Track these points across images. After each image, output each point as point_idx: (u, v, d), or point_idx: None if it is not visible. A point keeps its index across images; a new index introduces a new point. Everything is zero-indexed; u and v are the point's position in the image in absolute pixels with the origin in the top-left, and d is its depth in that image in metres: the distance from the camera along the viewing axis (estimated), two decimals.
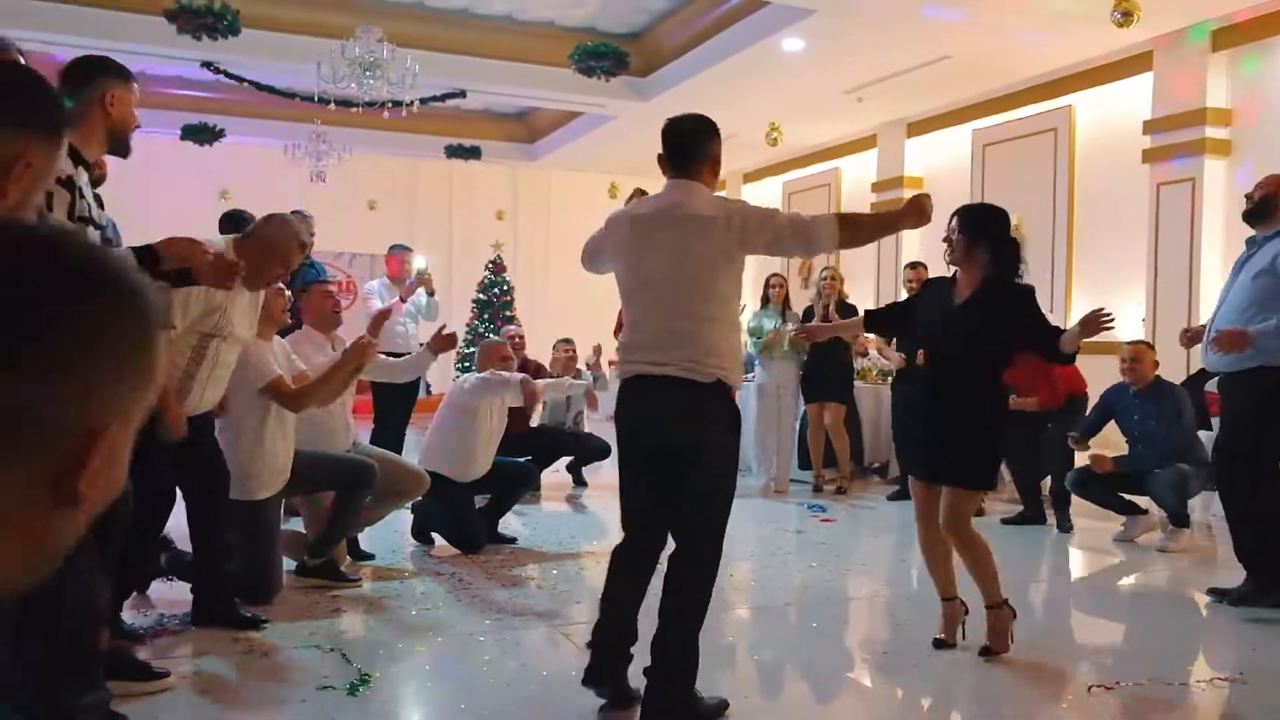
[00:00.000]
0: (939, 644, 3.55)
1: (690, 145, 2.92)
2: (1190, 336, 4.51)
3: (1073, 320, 9.42)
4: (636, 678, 2.80)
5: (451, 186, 14.67)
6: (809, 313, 7.41)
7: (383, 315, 5.34)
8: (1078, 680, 3.24)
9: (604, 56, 8.52)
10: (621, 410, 2.92)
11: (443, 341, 4.70)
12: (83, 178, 2.53)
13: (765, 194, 14.70)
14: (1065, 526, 5.74)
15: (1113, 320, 3.29)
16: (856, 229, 3.02)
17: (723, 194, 14.50)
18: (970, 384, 3.45)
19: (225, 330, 3.10)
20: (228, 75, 9.36)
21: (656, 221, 2.88)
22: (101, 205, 2.79)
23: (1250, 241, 4.33)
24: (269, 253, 3.17)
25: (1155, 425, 5.17)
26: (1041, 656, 3.54)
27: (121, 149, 2.86)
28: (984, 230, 3.49)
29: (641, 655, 2.81)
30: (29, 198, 1.42)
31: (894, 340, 6.87)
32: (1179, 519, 5.19)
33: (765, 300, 7.47)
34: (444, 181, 14.58)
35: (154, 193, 12.37)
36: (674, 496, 2.84)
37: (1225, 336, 3.94)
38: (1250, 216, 4.28)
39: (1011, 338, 3.52)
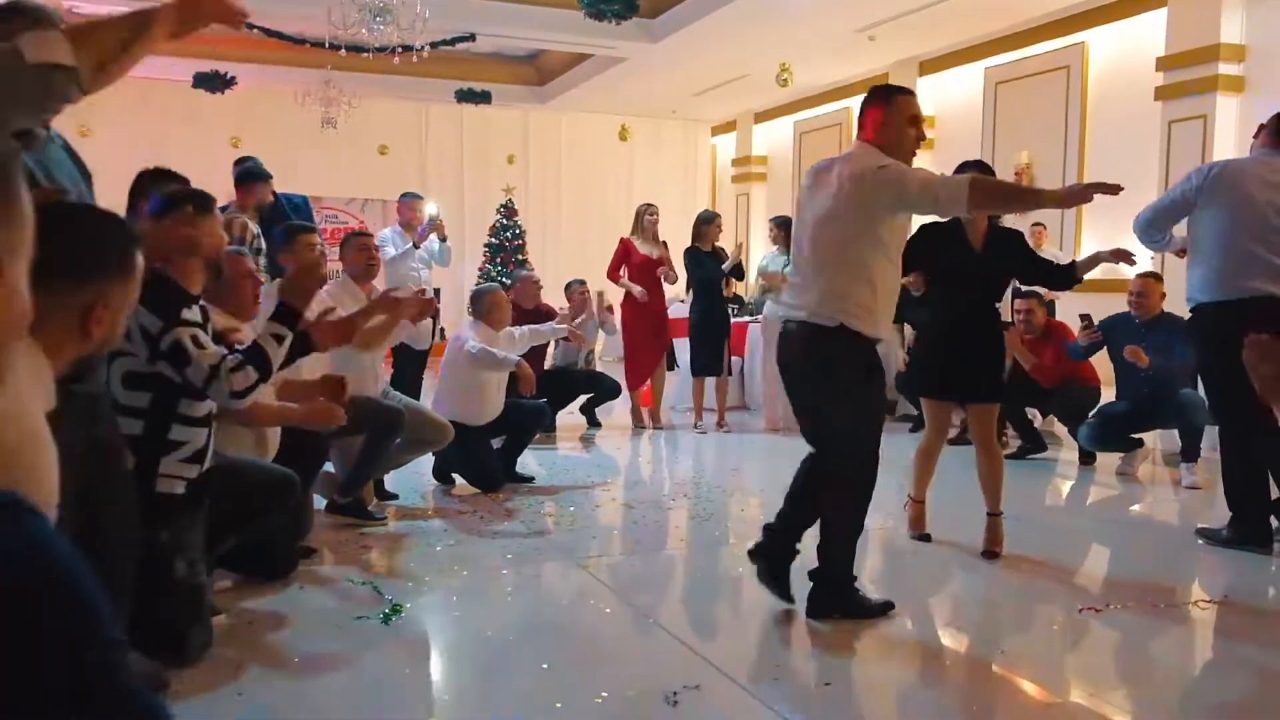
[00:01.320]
0: (916, 537, 4.19)
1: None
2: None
3: (1085, 252, 9.48)
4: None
5: (462, 130, 14.66)
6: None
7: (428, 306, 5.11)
8: (1070, 602, 3.39)
9: (614, 0, 8.48)
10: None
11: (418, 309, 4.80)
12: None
13: (777, 134, 14.65)
14: (1086, 459, 6.02)
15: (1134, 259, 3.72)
16: (988, 195, 3.16)
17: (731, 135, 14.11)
18: (988, 318, 4.01)
19: None
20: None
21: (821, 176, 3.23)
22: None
23: None
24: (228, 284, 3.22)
25: (1162, 356, 5.25)
26: (1037, 581, 3.70)
27: None
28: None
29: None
30: (112, 334, 1.52)
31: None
32: (1197, 444, 5.32)
33: (775, 241, 7.55)
34: (454, 126, 14.57)
35: (165, 140, 12.44)
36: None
37: None
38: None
39: (1021, 276, 4.33)
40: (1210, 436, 5.27)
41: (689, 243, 7.37)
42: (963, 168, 3.83)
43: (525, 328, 5.76)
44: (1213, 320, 4.08)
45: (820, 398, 3.16)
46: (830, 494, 3.21)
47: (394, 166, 14.30)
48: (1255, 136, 4.44)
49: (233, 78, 11.73)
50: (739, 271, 7.50)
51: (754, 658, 3.01)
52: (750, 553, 3.37)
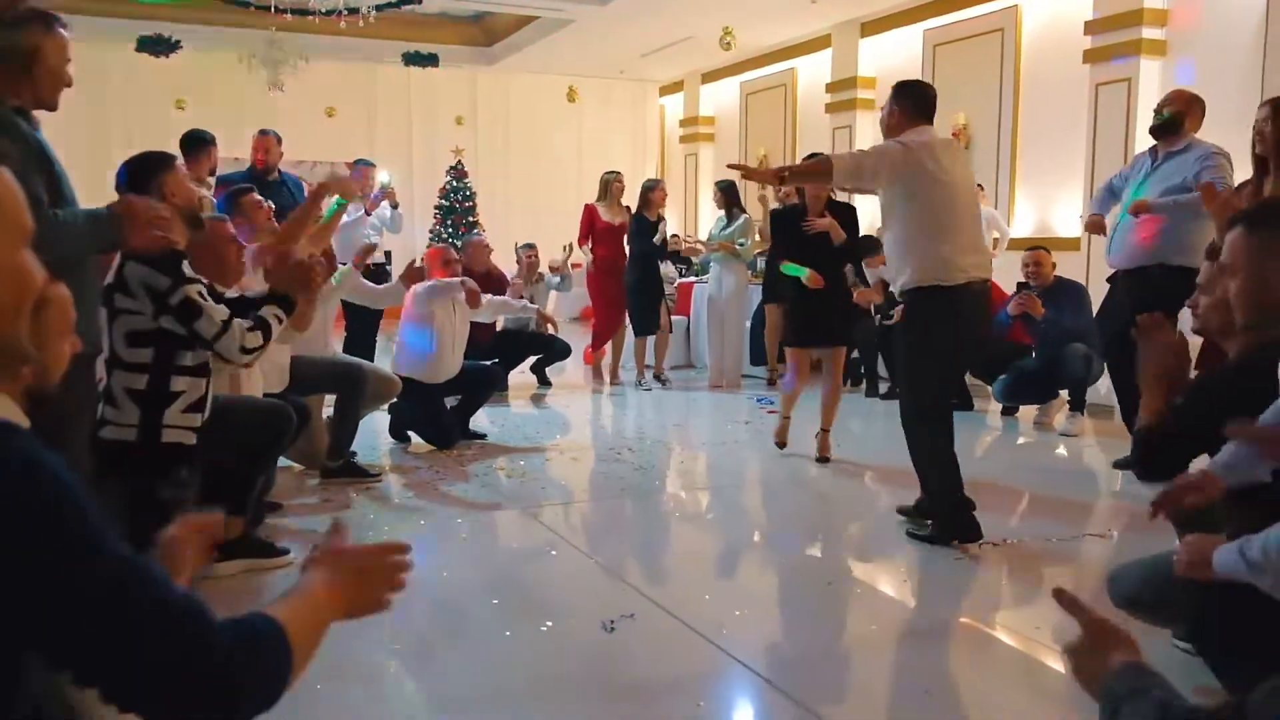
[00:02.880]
0: (780, 446, 5.29)
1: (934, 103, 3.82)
2: (1091, 224, 4.99)
3: (1019, 217, 9.82)
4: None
5: (410, 92, 14.61)
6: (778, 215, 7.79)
7: (369, 250, 5.43)
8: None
9: None
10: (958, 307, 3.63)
11: (414, 274, 5.11)
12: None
13: (723, 95, 14.81)
14: (1008, 411, 6.50)
15: None
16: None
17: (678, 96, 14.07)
18: (840, 279, 5.20)
19: None
20: None
21: (956, 149, 3.94)
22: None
23: (1153, 153, 4.68)
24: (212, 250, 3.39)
25: (1060, 316, 5.65)
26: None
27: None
28: None
29: None
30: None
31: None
32: (1081, 396, 5.73)
33: (721, 205, 7.79)
34: (402, 87, 14.51)
35: (108, 105, 12.33)
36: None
37: (1134, 206, 4.48)
38: (1159, 131, 4.61)
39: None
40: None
41: (634, 202, 7.66)
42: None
43: (496, 297, 5.98)
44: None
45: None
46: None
47: (342, 129, 14.25)
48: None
49: (177, 41, 11.62)
50: (662, 251, 7.74)
51: (681, 590, 3.32)
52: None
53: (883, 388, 7.17)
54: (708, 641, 2.78)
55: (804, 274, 5.02)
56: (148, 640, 0.89)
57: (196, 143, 5.69)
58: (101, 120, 12.20)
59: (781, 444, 5.32)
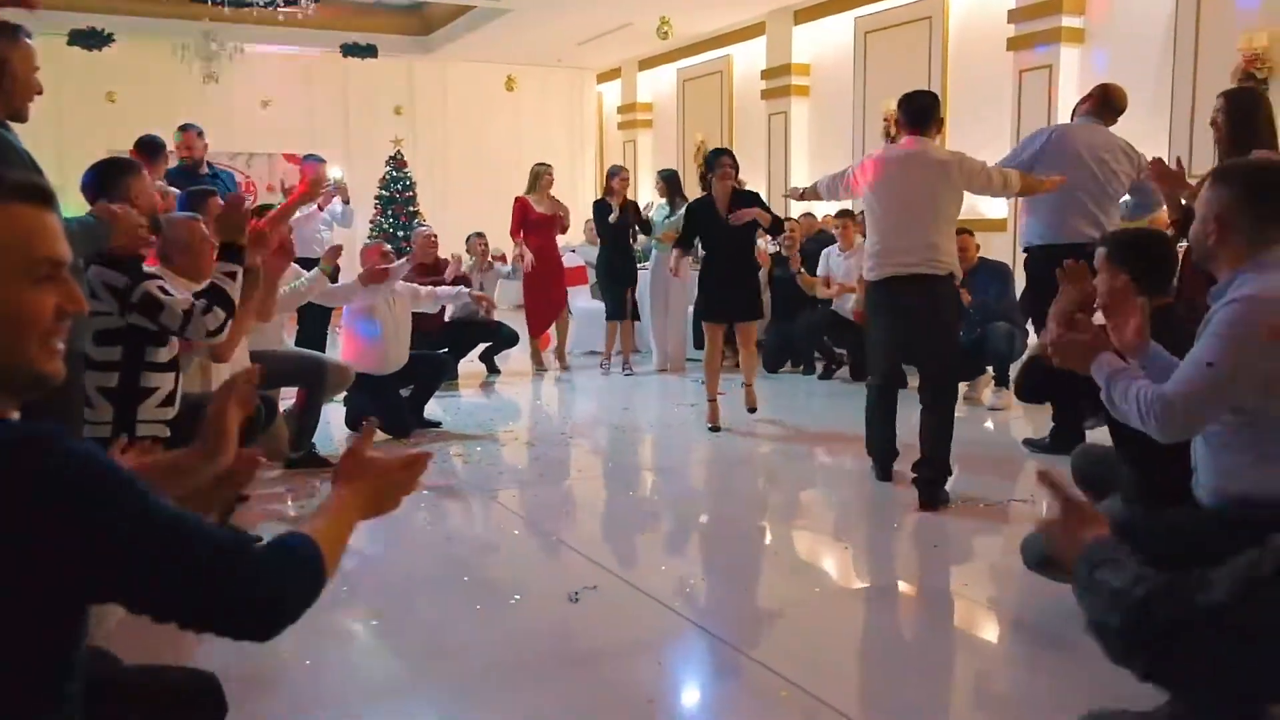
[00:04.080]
0: (713, 429, 5.54)
1: (925, 112, 4.11)
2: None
3: None
4: None
5: (347, 82, 14.53)
6: (691, 208, 8.00)
7: (337, 251, 5.44)
8: (907, 504, 4.01)
9: None
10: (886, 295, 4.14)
11: (375, 275, 5.22)
12: None
13: (660, 82, 14.98)
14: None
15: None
16: (1032, 187, 4.36)
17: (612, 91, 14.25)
18: (751, 261, 5.77)
19: None
20: None
21: (926, 160, 4.04)
22: None
23: None
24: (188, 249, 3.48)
25: (986, 296, 5.95)
26: (885, 487, 4.32)
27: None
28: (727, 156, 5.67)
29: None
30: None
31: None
32: (1005, 371, 6.06)
33: (663, 194, 7.97)
34: (339, 77, 14.42)
35: (38, 98, 12.09)
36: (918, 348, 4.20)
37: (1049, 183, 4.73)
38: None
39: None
40: None
41: (574, 189, 7.89)
42: None
43: (430, 288, 6.06)
44: (1041, 262, 4.73)
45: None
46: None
47: (278, 119, 14.14)
48: (1082, 103, 5.08)
49: (110, 34, 11.43)
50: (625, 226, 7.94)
51: (641, 562, 3.54)
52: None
53: (819, 369, 7.55)
54: (665, 607, 3.00)
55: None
56: (208, 574, 1.09)
57: (154, 148, 5.72)
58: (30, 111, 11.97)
59: (715, 427, 5.58)
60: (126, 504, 1.06)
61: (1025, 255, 5.13)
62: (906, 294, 4.03)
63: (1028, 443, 4.97)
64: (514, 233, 7.82)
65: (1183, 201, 4.06)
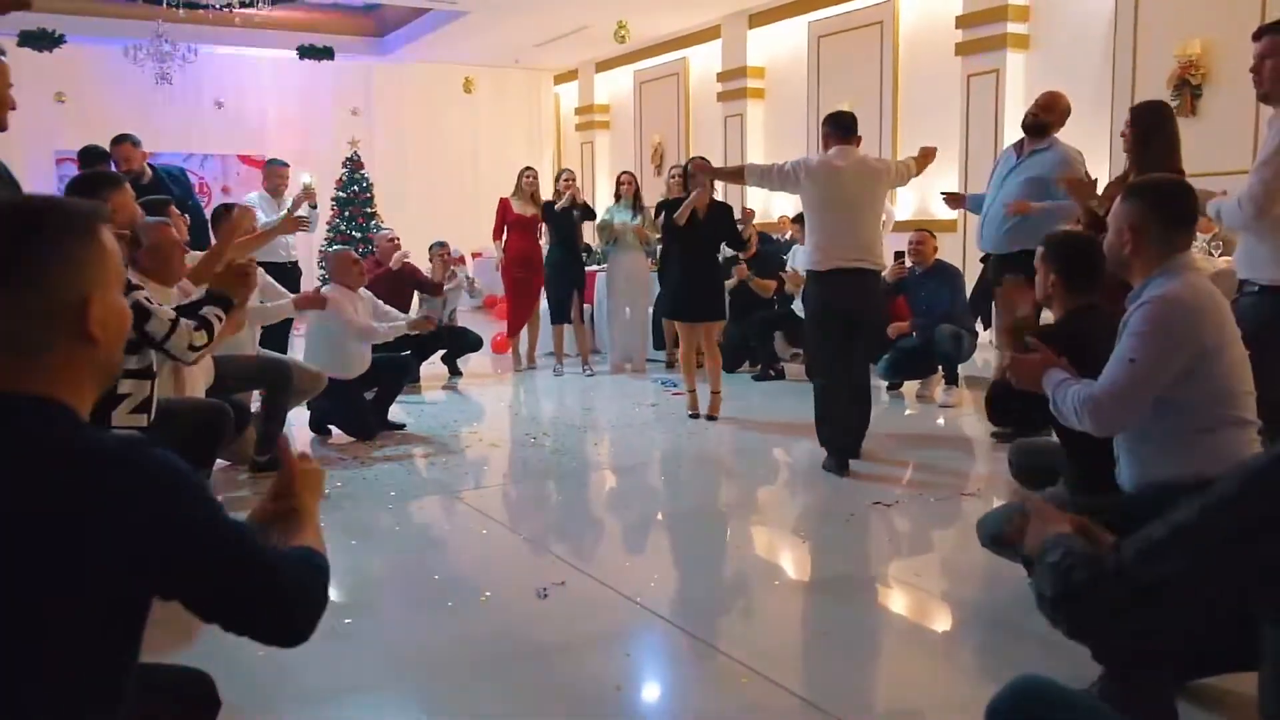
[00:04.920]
0: (693, 416, 6.01)
1: (854, 125, 4.78)
2: (949, 199, 5.79)
3: (900, 197, 10.38)
4: None
5: (303, 83, 14.45)
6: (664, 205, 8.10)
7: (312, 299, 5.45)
8: (864, 498, 4.17)
9: None
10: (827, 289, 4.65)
11: (307, 301, 5.34)
12: None
13: (617, 83, 15.09)
14: (893, 387, 6.95)
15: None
16: (921, 164, 4.96)
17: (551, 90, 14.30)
18: (716, 262, 6.19)
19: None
20: None
21: (853, 169, 4.64)
22: None
23: (1018, 147, 5.21)
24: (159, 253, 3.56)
25: (937, 298, 6.16)
26: (841, 482, 4.48)
27: None
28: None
29: None
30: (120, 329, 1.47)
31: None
32: (953, 371, 6.27)
33: (617, 196, 8.07)
34: (294, 78, 14.34)
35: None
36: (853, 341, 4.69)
37: (1015, 207, 4.97)
38: (1030, 130, 5.15)
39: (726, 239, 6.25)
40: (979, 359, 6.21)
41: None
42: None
43: (385, 308, 6.02)
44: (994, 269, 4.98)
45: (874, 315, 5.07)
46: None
47: (232, 120, 14.04)
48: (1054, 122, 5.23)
49: (61, 36, 11.29)
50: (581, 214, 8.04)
51: (605, 558, 3.66)
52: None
53: (757, 370, 7.74)
54: (631, 601, 3.11)
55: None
56: (257, 584, 1.22)
57: (95, 157, 5.72)
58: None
59: (696, 414, 6.06)
60: (204, 511, 1.19)
61: (983, 258, 5.36)
62: (846, 284, 4.61)
63: (995, 435, 5.23)
64: (495, 233, 8.07)
65: (1094, 209, 4.26)
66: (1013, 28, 9.27)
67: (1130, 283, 2.38)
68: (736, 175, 5.28)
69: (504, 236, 8.01)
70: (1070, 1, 8.82)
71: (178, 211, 4.33)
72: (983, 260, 5.55)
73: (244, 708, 2.41)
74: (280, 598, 1.23)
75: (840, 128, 4.73)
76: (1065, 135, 5.26)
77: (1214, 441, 2.19)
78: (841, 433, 4.69)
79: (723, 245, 6.48)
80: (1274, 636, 1.26)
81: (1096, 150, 6.98)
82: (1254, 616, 1.29)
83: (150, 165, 6.20)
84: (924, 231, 6.58)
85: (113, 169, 5.78)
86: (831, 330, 4.67)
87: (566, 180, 7.97)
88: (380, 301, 5.95)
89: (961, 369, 6.51)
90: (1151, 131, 4.03)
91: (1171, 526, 1.18)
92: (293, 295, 5.48)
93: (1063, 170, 4.83)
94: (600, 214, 8.19)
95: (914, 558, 3.65)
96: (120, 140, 6.06)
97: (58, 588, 1.09)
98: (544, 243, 8.28)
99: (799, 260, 7.53)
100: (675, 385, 7.20)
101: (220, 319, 3.20)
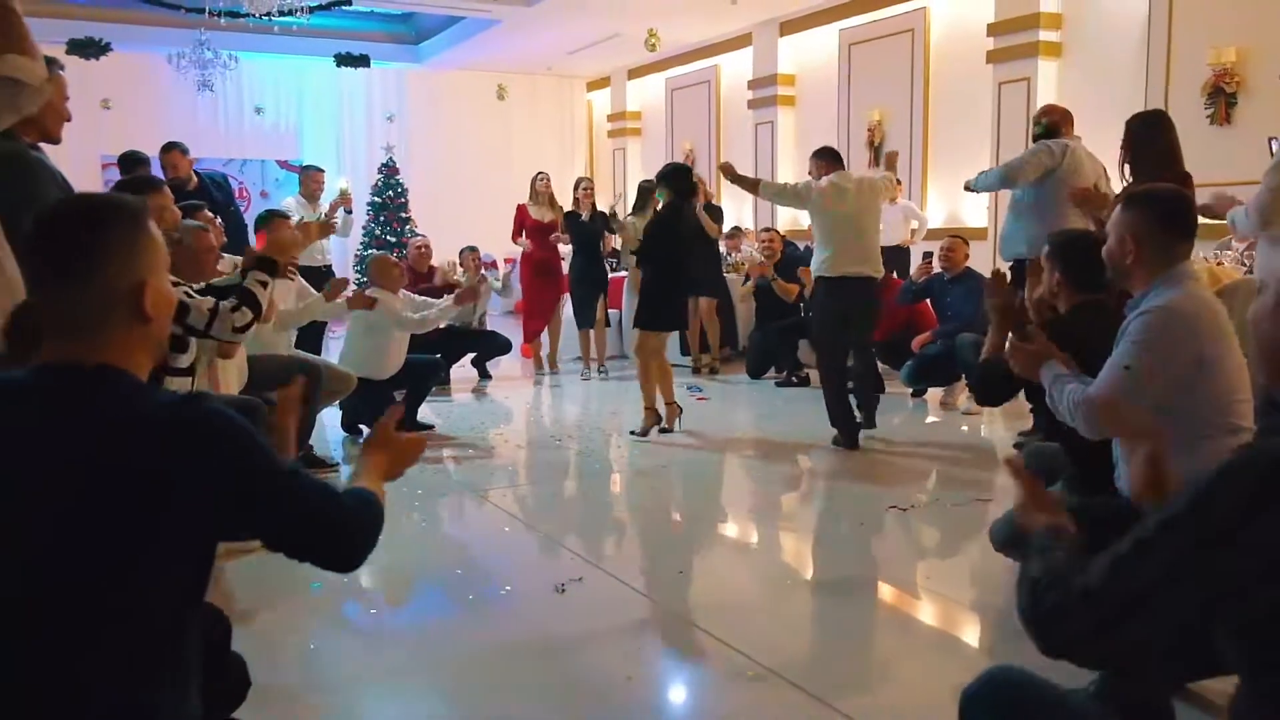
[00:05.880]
0: (663, 431, 5.78)
1: (839, 154, 5.57)
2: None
3: (930, 204, 10.38)
4: None
5: (340, 89, 14.69)
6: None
7: (342, 284, 5.51)
8: (881, 503, 4.23)
9: None
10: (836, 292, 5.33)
11: (359, 301, 5.50)
12: None
13: (649, 90, 15.19)
14: (917, 394, 6.95)
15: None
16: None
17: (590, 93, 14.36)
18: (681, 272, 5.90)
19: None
20: None
21: (857, 188, 5.35)
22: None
23: None
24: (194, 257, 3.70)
25: (964, 305, 6.18)
26: (859, 487, 4.53)
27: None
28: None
29: None
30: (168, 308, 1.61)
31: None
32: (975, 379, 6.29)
33: (640, 206, 8.17)
34: (332, 84, 14.58)
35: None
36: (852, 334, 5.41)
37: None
38: (1039, 138, 5.18)
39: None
40: None
41: (564, 197, 8.14)
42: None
43: (422, 299, 6.22)
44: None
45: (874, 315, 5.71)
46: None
47: (271, 126, 14.31)
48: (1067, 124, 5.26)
49: (108, 44, 11.59)
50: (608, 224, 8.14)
51: (623, 556, 3.74)
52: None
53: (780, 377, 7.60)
54: (646, 598, 3.19)
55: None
56: (320, 515, 1.39)
57: (133, 162, 5.88)
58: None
59: (664, 429, 5.81)
60: (262, 454, 1.34)
61: (1012, 266, 5.39)
62: (853, 288, 5.25)
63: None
64: (513, 237, 8.20)
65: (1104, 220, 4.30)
66: (1045, 35, 9.25)
67: (1130, 291, 2.42)
68: (753, 186, 5.72)
69: (522, 240, 8.13)
70: (1103, 9, 8.79)
71: (210, 215, 4.45)
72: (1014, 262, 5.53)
73: (272, 693, 2.52)
74: (335, 523, 1.40)
75: (834, 158, 5.50)
76: (1096, 144, 5.28)
77: (1209, 449, 2.22)
78: (847, 412, 5.32)
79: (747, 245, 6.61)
80: (1232, 650, 1.26)
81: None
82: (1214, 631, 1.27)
83: (196, 172, 6.38)
84: (957, 238, 6.60)
85: (161, 175, 5.99)
86: (838, 326, 5.36)
87: (585, 190, 8.09)
88: (415, 296, 6.12)
89: None
90: (1139, 142, 4.10)
91: (1134, 540, 1.21)
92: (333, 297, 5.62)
93: (1091, 164, 4.91)
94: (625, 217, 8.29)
95: (927, 561, 3.70)
96: (169, 148, 6.27)
97: (145, 535, 1.24)
98: (566, 249, 8.38)
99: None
100: (700, 390, 7.27)
101: (264, 284, 3.26)
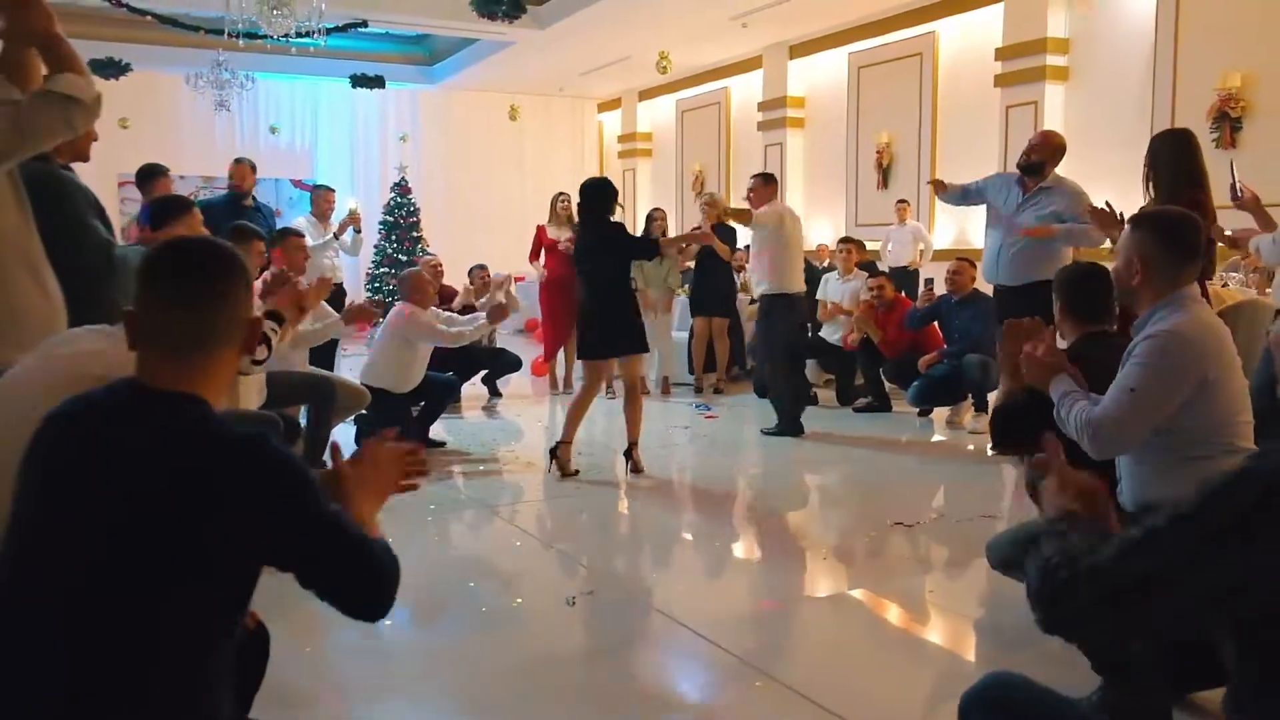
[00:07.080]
0: (570, 474, 5.21)
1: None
2: (936, 185, 5.93)
3: (938, 226, 10.44)
4: None
5: (354, 109, 14.86)
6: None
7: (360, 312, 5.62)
8: (886, 518, 4.28)
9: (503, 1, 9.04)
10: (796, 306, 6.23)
11: (361, 314, 5.57)
12: None
13: (660, 112, 15.34)
14: (924, 413, 6.96)
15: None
16: None
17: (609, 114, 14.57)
18: (626, 293, 5.35)
19: None
20: (131, 9, 9.55)
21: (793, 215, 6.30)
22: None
23: (1021, 183, 5.31)
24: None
25: (970, 327, 6.24)
26: (865, 504, 4.58)
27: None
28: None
29: None
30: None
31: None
32: (982, 398, 6.33)
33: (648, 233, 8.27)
34: (346, 104, 14.76)
35: None
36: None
37: (1036, 230, 5.08)
38: (1028, 171, 5.26)
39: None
40: None
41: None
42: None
43: (450, 315, 6.35)
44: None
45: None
46: None
47: (286, 145, 14.48)
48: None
49: (128, 64, 11.78)
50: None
51: (633, 570, 3.80)
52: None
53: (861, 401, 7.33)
54: (655, 610, 3.25)
55: (873, 334, 6.99)
56: (352, 560, 1.43)
57: (147, 175, 5.99)
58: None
59: (566, 471, 5.24)
60: (312, 495, 1.40)
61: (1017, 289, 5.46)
62: (800, 302, 6.27)
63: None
64: (531, 257, 8.29)
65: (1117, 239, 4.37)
66: (1052, 60, 9.34)
67: (1135, 311, 2.47)
68: (746, 217, 6.23)
69: (541, 260, 8.22)
70: (1110, 34, 8.89)
71: (261, 248, 4.55)
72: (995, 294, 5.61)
73: (287, 700, 2.58)
74: (373, 571, 1.44)
75: (775, 183, 6.35)
76: (1102, 168, 5.35)
77: (1210, 468, 2.27)
78: (794, 402, 6.23)
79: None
80: (1228, 642, 1.31)
81: (1135, 184, 7.03)
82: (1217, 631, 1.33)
83: (254, 195, 6.64)
84: (963, 261, 6.66)
85: (229, 184, 6.77)
86: (792, 332, 6.24)
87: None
88: (442, 311, 6.24)
89: (990, 397, 6.57)
90: (1160, 162, 4.15)
91: (1145, 529, 1.26)
92: (340, 316, 5.70)
93: (1076, 202, 4.96)
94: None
95: (930, 574, 3.74)
96: (239, 161, 6.78)
97: (194, 556, 1.32)
98: None
99: (830, 290, 7.65)
100: (708, 409, 7.33)
101: (275, 332, 3.42)
